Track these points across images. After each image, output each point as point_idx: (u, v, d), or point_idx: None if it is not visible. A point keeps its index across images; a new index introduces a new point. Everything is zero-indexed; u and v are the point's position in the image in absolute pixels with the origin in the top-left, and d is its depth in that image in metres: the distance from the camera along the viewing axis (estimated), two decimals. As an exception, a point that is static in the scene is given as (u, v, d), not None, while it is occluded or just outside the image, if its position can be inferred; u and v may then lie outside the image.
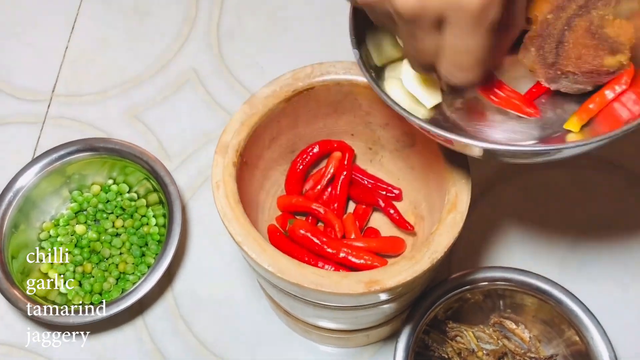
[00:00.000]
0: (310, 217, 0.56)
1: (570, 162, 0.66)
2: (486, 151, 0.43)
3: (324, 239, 0.51)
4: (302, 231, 0.52)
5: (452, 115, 0.46)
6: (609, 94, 0.44)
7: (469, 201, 0.45)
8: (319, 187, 0.57)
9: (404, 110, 0.43)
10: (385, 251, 0.53)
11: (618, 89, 0.43)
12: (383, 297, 0.45)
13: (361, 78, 0.50)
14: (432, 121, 0.45)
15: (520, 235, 0.66)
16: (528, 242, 0.66)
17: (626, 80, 0.43)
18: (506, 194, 0.68)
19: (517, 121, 0.46)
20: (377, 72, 0.46)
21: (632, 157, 0.69)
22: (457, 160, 0.46)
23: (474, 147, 0.42)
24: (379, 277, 0.43)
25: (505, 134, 0.46)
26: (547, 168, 0.68)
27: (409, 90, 0.46)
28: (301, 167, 0.56)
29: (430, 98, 0.46)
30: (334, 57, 0.52)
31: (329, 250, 0.51)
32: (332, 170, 0.57)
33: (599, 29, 0.43)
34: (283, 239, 0.53)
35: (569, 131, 0.44)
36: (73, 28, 0.79)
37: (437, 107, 0.46)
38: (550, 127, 0.45)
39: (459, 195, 0.45)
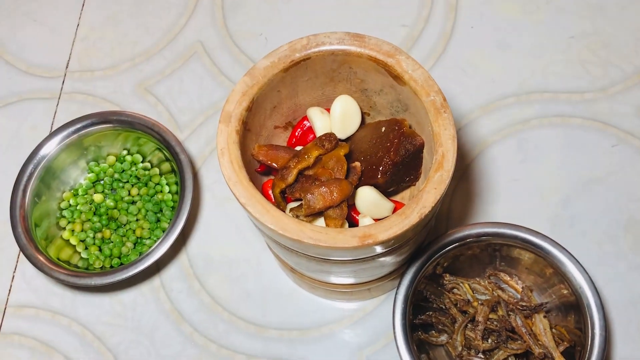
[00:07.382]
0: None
1: (561, 122, 0.69)
2: None
3: None
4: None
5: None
6: None
7: (455, 160, 0.46)
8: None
9: None
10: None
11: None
12: (378, 249, 0.46)
13: (354, 47, 0.50)
14: None
15: (515, 193, 0.68)
16: (522, 200, 0.67)
17: None
18: (501, 154, 0.69)
19: None
20: None
21: (621, 117, 0.70)
22: (444, 123, 0.47)
23: None
24: (372, 232, 0.44)
25: None
26: (540, 128, 0.70)
27: None
28: (300, 134, 0.57)
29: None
30: (332, 28, 0.54)
31: None
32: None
33: None
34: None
35: None
36: (83, 5, 0.80)
37: None
38: None
39: (445, 155, 0.46)
